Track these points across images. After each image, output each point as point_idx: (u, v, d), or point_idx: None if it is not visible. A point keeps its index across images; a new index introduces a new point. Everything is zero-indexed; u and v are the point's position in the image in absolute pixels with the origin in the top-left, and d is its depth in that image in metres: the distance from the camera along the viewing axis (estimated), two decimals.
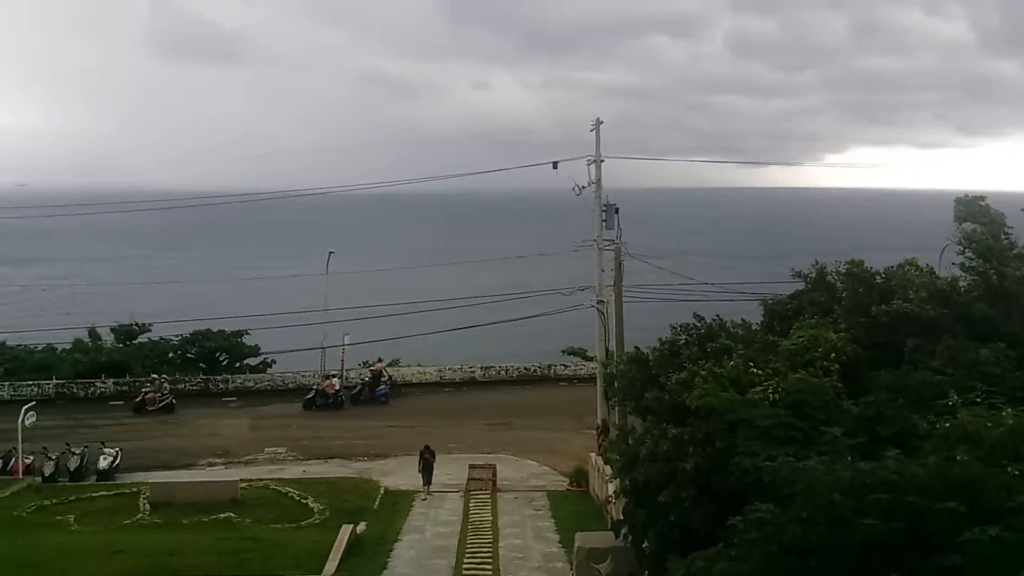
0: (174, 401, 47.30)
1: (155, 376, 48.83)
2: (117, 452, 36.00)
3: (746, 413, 17.70)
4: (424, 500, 32.19)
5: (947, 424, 14.97)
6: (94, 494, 32.56)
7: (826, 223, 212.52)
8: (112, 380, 50.98)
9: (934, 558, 11.38)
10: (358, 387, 49.22)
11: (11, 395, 48.95)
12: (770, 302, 26.67)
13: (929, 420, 15.93)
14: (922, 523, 11.82)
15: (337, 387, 47.81)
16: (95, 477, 34.95)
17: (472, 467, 34.30)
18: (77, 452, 35.70)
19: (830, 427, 16.12)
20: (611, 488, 26.12)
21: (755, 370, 20.23)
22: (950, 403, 16.22)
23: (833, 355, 20.26)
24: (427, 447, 33.99)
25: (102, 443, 36.52)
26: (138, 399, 47.05)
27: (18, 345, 55.82)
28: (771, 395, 18.94)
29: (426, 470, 33.30)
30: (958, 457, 13.28)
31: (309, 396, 47.32)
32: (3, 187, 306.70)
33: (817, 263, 25.83)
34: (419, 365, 55.04)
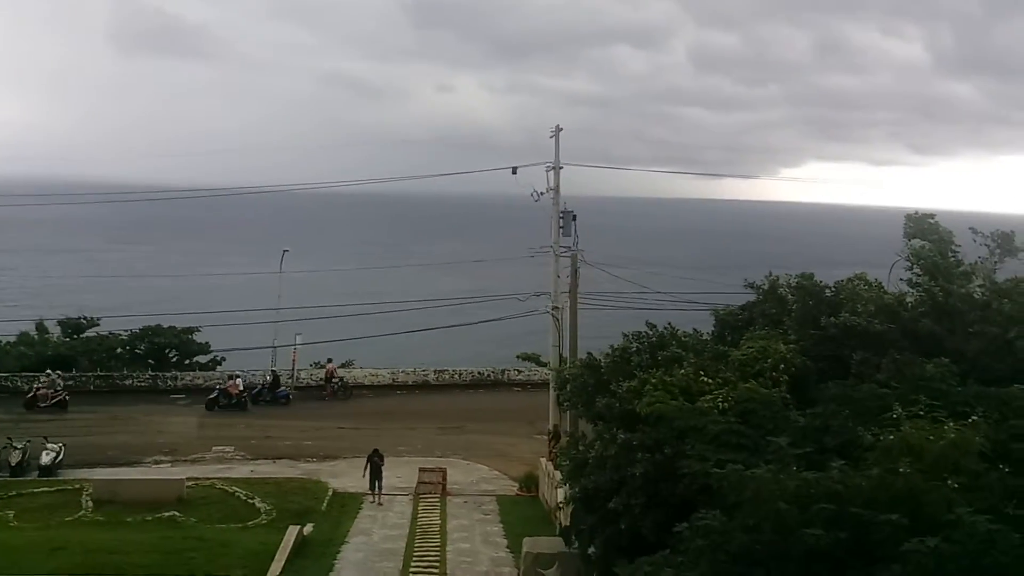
0: (67, 398, 45.74)
1: (49, 372, 47.25)
2: (61, 448, 35.29)
3: (696, 420, 17.88)
4: (378, 504, 31.47)
5: (891, 436, 15.24)
6: (35, 490, 31.86)
7: (780, 236, 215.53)
8: (57, 374, 49.98)
9: (876, 569, 11.58)
10: (258, 387, 48.49)
11: None
12: (722, 312, 26.96)
13: (873, 432, 16.19)
14: (865, 534, 12.03)
15: (241, 387, 47.03)
16: (37, 473, 34.21)
17: (422, 470, 34.17)
18: (19, 447, 34.91)
19: (777, 437, 16.35)
20: (560, 494, 26.21)
21: (705, 379, 20.44)
22: (894, 416, 16.52)
23: (782, 366, 20.55)
24: (375, 451, 33.10)
25: (45, 438, 35.78)
26: (29, 395, 45.47)
27: None
28: (720, 404, 19.15)
29: (374, 474, 32.30)
30: (901, 469, 13.54)
31: (212, 396, 46.36)
32: None
33: (770, 275, 26.17)
34: (372, 367, 54.71)
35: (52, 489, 32.01)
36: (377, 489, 32.10)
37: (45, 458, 34.53)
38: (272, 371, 49.84)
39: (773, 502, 12.43)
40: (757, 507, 12.59)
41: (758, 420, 18.04)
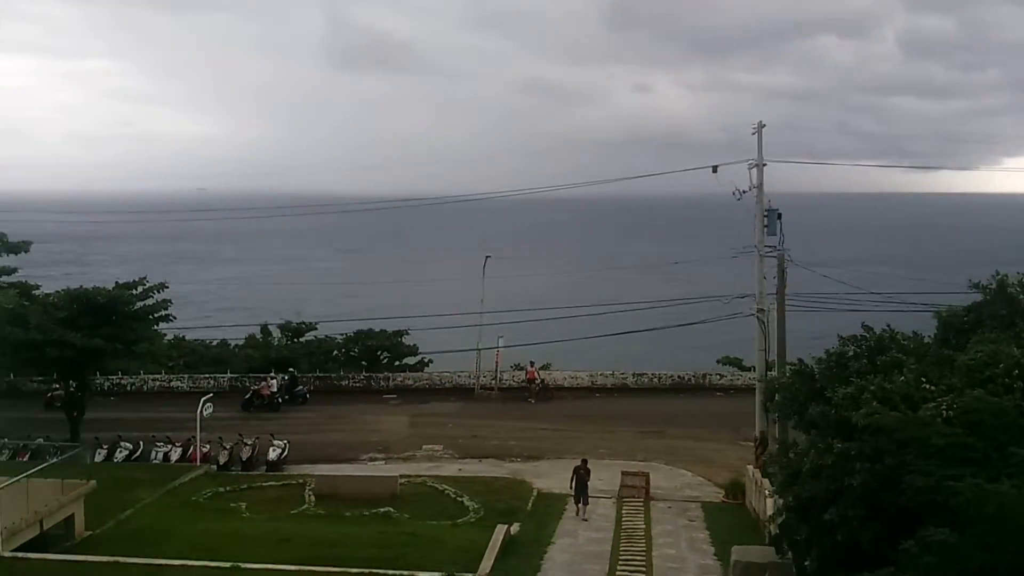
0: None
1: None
2: (285, 444, 37.73)
3: (918, 431, 16.87)
4: (582, 519, 30.12)
5: None
6: (264, 483, 34.16)
7: (1003, 231, 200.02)
8: (281, 375, 53.44)
9: None
10: (277, 389, 49.50)
11: (190, 387, 52.14)
12: (944, 314, 25.37)
13: None
14: None
15: (273, 389, 48.66)
16: (265, 467, 36.76)
17: (625, 474, 34.03)
18: (249, 443, 37.62)
19: (1016, 448, 15.16)
20: (770, 503, 25.42)
21: (928, 386, 19.24)
22: None
23: (1016, 372, 19.02)
24: (584, 461, 31.68)
25: (272, 435, 38.36)
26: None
27: (196, 340, 59.44)
28: (945, 412, 17.97)
29: (580, 487, 30.82)
30: None
31: (247, 397, 48.16)
32: (184, 192, 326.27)
33: (997, 274, 24.37)
34: (571, 370, 55.09)
35: (278, 483, 34.19)
36: (583, 503, 30.74)
37: (272, 454, 37.03)
38: (290, 371, 51.56)
39: (1019, 519, 11.50)
40: (1000, 524, 11.69)
41: (988, 431, 16.81)
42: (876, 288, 43.70)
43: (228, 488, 33.29)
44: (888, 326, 23.47)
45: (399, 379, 54.24)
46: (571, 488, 31.24)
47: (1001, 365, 19.30)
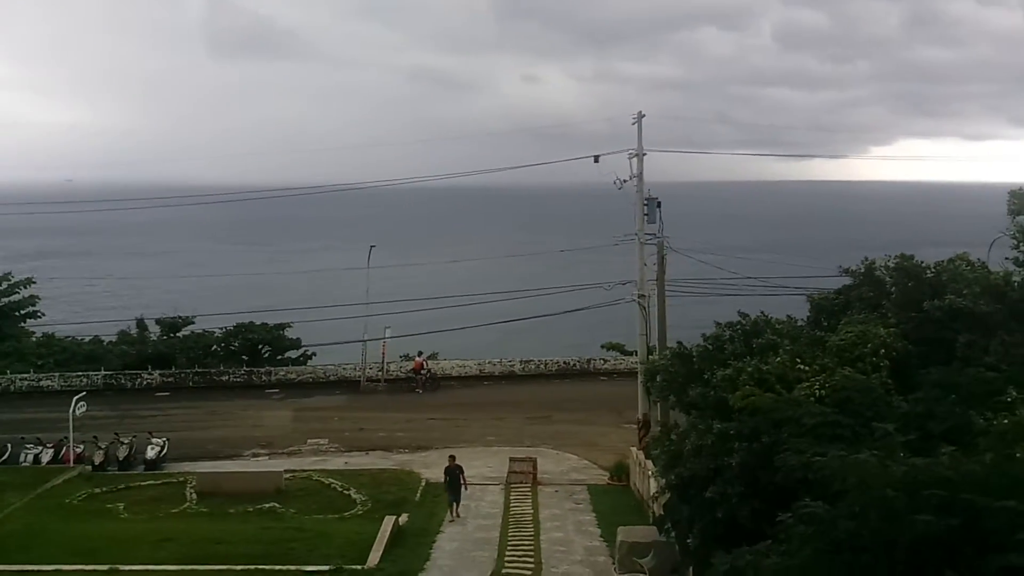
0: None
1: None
2: (164, 442, 36.56)
3: (791, 411, 17.53)
4: (454, 518, 28.95)
5: (1004, 421, 14.70)
6: (142, 483, 33.09)
7: (872, 217, 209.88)
8: (158, 372, 51.81)
9: (992, 557, 11.15)
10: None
11: (61, 386, 49.91)
12: (816, 297, 26.43)
13: (985, 417, 15.66)
14: (979, 521, 11.60)
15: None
16: (143, 466, 35.55)
17: (512, 460, 34.30)
18: (126, 442, 36.30)
19: (880, 423, 15.92)
20: (653, 483, 26.02)
21: (802, 366, 20.07)
22: (1008, 399, 15.94)
23: (883, 351, 20.04)
24: (452, 458, 30.22)
25: (150, 433, 37.11)
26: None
27: (67, 337, 56.87)
28: (818, 391, 18.77)
29: (452, 488, 29.48)
30: (1017, 455, 13.03)
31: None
32: (52, 183, 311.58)
33: (866, 258, 25.52)
34: (459, 359, 55.14)
35: (158, 482, 33.18)
36: (456, 505, 29.41)
37: (150, 452, 35.83)
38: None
39: (880, 488, 12.07)
40: (862, 493, 12.25)
41: (856, 408, 17.62)
42: (753, 274, 45.20)
43: (104, 489, 32.15)
44: (763, 311, 24.30)
45: (282, 373, 53.24)
46: (445, 488, 29.87)
47: (869, 345, 20.29)
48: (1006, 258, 25.09)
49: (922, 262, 23.72)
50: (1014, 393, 15.88)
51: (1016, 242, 24.61)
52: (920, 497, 11.94)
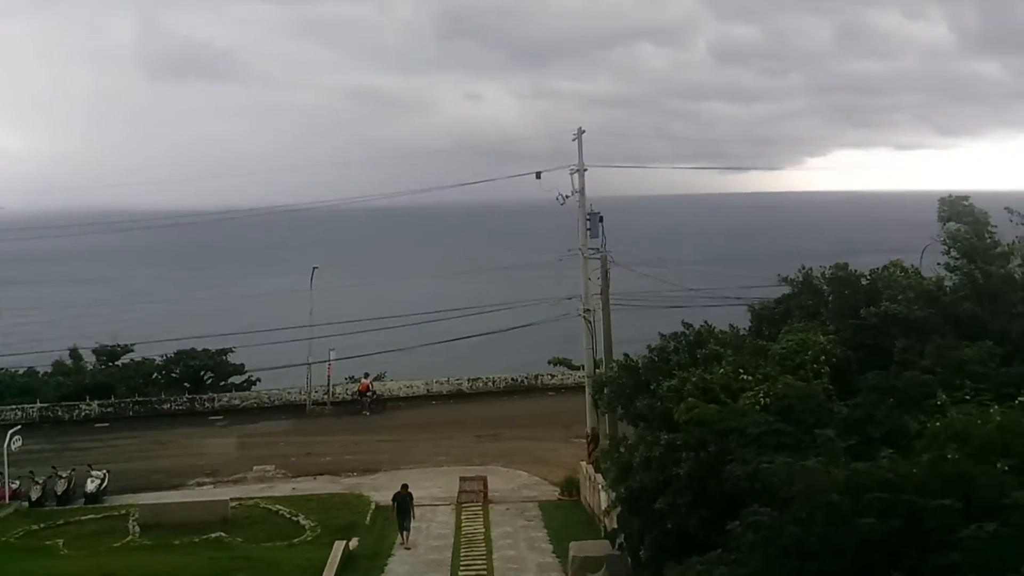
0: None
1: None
2: (104, 474, 35.67)
3: (735, 422, 17.78)
4: (405, 547, 28.04)
5: (937, 423, 15.08)
6: (83, 517, 32.22)
7: (809, 227, 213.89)
8: (96, 402, 50.62)
9: (933, 556, 11.44)
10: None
11: None
12: (757, 307, 26.84)
13: (919, 420, 16.04)
14: (919, 521, 11.88)
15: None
16: (83, 500, 34.61)
17: (463, 479, 34.16)
18: (64, 476, 35.38)
19: (821, 430, 16.22)
20: (604, 497, 26.12)
21: (745, 376, 20.36)
22: (939, 402, 16.35)
23: (823, 358, 20.42)
24: (404, 486, 29.36)
25: (89, 465, 36.20)
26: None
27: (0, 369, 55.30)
28: (762, 399, 19.05)
29: (402, 514, 28.60)
30: (949, 455, 13.38)
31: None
32: None
33: (803, 267, 26.01)
34: (406, 379, 54.80)
35: (99, 516, 32.34)
36: (406, 532, 28.61)
37: (90, 485, 34.93)
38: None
39: (824, 493, 12.32)
40: (808, 499, 12.48)
41: (799, 415, 17.94)
42: (695, 285, 45.77)
43: (42, 525, 31.28)
44: (706, 322, 24.61)
45: (225, 399, 52.36)
46: (391, 516, 29.27)
47: (809, 352, 20.67)
48: (938, 264, 25.76)
49: (857, 270, 24.25)
50: (944, 396, 16.27)
51: (947, 248, 25.27)
52: (863, 500, 12.20)
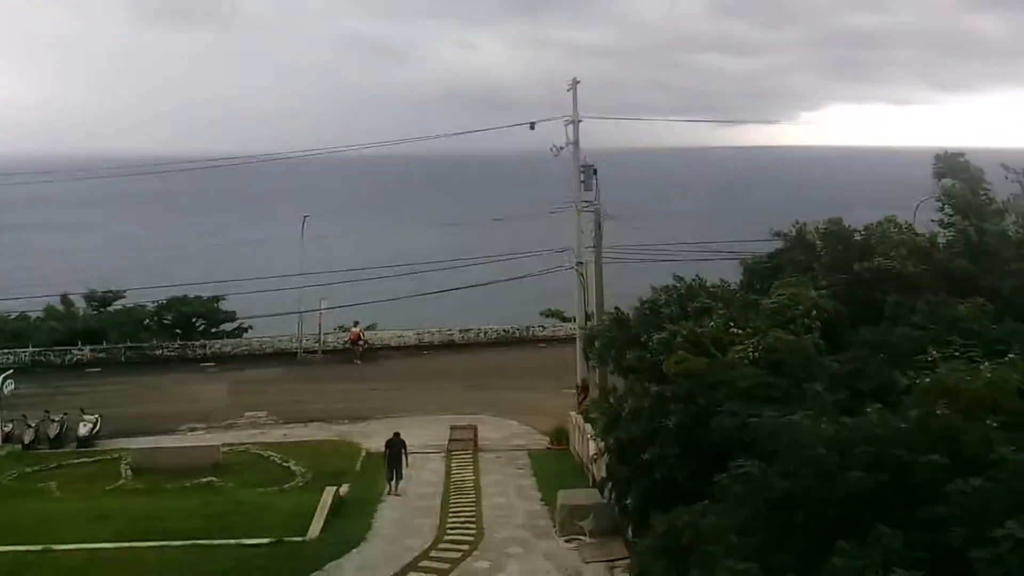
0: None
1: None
2: (97, 419, 35.82)
3: (724, 374, 17.85)
4: (395, 495, 27.93)
5: (927, 379, 15.17)
6: (75, 461, 32.42)
7: (803, 182, 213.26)
8: (89, 347, 50.64)
9: (920, 509, 11.56)
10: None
11: None
12: (749, 261, 26.84)
13: (909, 375, 16.13)
14: (907, 475, 11.99)
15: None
16: (75, 444, 34.79)
17: (453, 428, 34.39)
18: (57, 419, 35.49)
19: (810, 384, 16.30)
20: (593, 446, 26.33)
21: (735, 329, 20.43)
22: (929, 358, 16.43)
23: (814, 312, 20.49)
24: (396, 434, 29.19)
25: (82, 410, 36.32)
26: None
27: None
28: (751, 354, 19.12)
29: (394, 463, 28.44)
30: (938, 411, 13.47)
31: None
32: None
33: (797, 222, 25.97)
34: (397, 329, 54.87)
35: (91, 460, 32.54)
36: (396, 481, 28.43)
37: (82, 429, 35.09)
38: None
39: (812, 447, 12.42)
40: (796, 453, 12.58)
41: (789, 369, 18.02)
42: (688, 239, 45.72)
43: (36, 468, 31.46)
44: (697, 276, 24.61)
45: (217, 346, 52.41)
46: (385, 463, 28.81)
47: (800, 307, 20.72)
48: (932, 220, 25.77)
49: (851, 226, 24.22)
50: (934, 352, 16.36)
51: (941, 204, 25.28)
52: (851, 454, 12.30)
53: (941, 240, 23.58)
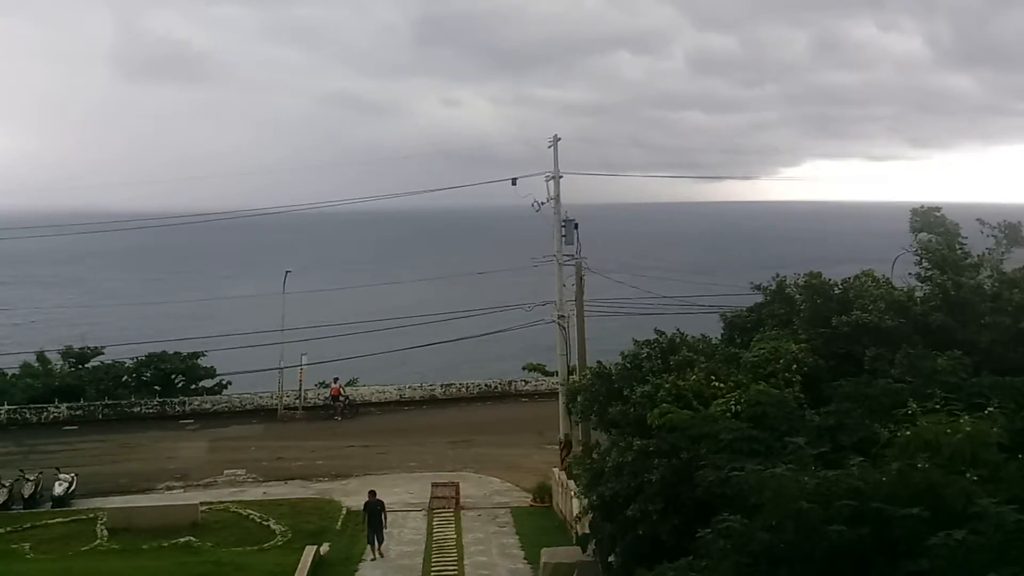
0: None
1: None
2: (72, 478, 35.23)
3: (708, 428, 17.83)
4: (378, 557, 27.38)
5: (907, 432, 15.20)
6: (50, 521, 31.77)
7: (783, 236, 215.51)
8: (65, 405, 50.02)
9: (901, 563, 11.53)
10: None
11: None
12: (730, 315, 26.96)
13: (890, 428, 16.16)
14: (888, 529, 11.97)
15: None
16: (50, 504, 34.13)
17: (435, 485, 34.06)
18: (31, 479, 34.88)
19: (792, 437, 16.29)
20: (576, 503, 26.12)
21: (717, 383, 20.43)
22: (909, 411, 16.48)
23: (795, 366, 20.55)
24: (372, 493, 28.51)
25: (57, 469, 35.75)
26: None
27: None
28: (734, 407, 19.10)
29: (373, 524, 27.60)
30: (919, 464, 13.49)
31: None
32: None
33: (776, 276, 26.16)
34: (378, 384, 54.57)
35: (66, 520, 31.91)
36: (377, 543, 27.68)
37: (58, 488, 34.47)
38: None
39: (794, 501, 12.38)
40: (778, 506, 12.54)
41: (771, 422, 18.00)
42: (668, 293, 45.97)
43: (9, 529, 30.80)
44: (678, 329, 24.68)
45: (196, 403, 51.89)
46: (364, 525, 28.05)
47: (781, 360, 20.79)
48: (909, 273, 26.02)
49: (830, 279, 24.40)
50: (914, 405, 16.42)
51: (918, 258, 25.56)
52: (832, 508, 12.28)
53: (918, 294, 23.80)
